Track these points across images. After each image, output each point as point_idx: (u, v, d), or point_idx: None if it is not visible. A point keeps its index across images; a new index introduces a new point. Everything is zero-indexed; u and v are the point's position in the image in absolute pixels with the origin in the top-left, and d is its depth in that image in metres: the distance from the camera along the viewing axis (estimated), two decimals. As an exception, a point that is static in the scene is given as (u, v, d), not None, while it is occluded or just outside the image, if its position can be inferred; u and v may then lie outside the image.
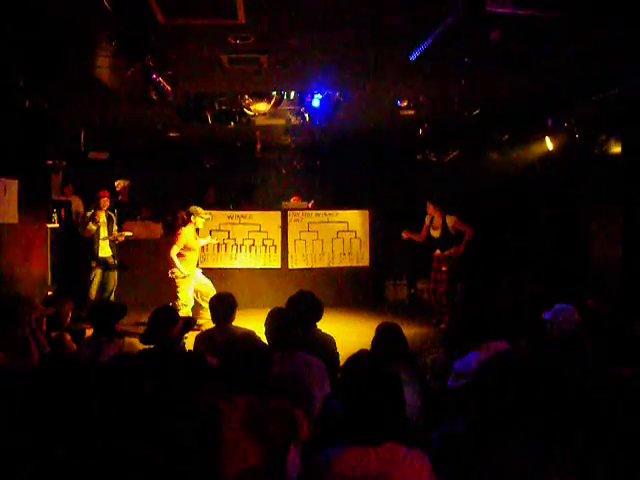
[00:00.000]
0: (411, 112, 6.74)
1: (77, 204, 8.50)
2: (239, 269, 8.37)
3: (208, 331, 3.95)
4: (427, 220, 7.23)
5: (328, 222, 8.65)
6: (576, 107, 6.26)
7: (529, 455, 1.89)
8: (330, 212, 8.73)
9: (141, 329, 4.02)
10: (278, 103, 6.31)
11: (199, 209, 6.70)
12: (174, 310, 3.62)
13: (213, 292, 6.34)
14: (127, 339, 3.73)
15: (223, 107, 6.60)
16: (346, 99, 6.33)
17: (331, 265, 8.56)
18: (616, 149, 5.91)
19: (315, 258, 8.54)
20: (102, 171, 9.10)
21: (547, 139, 6.90)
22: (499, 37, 3.94)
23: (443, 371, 3.33)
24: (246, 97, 6.24)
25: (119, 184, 8.90)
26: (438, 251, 7.11)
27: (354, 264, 8.63)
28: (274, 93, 6.19)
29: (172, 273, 6.39)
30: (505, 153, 7.91)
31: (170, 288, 6.46)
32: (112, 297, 7.47)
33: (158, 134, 8.39)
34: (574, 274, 6.44)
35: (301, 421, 2.29)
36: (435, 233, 7.14)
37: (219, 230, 8.37)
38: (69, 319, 4.28)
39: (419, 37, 4.21)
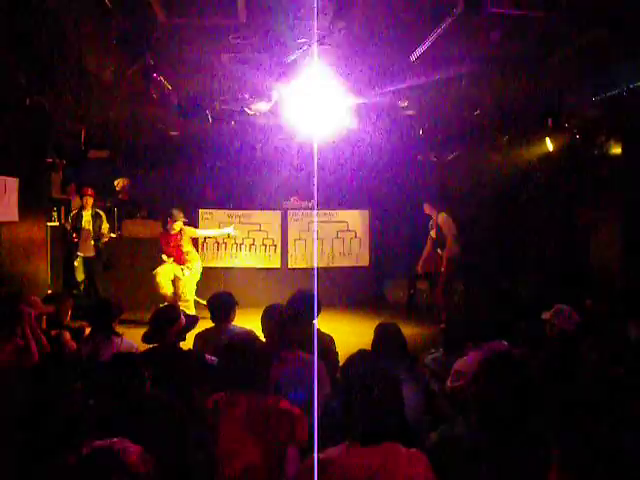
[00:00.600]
0: (411, 112, 6.74)
1: (78, 203, 8.50)
2: (239, 268, 8.37)
3: (207, 330, 3.95)
4: (432, 233, 7.21)
5: (328, 222, 8.66)
6: (576, 107, 6.25)
7: (529, 455, 1.89)
8: (330, 212, 8.74)
9: (138, 326, 4.05)
10: (278, 102, 6.31)
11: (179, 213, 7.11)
12: (176, 309, 3.61)
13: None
14: (126, 338, 3.72)
15: (223, 106, 6.60)
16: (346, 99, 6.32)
17: (331, 265, 8.56)
18: (616, 150, 5.91)
19: (315, 258, 8.54)
20: (102, 170, 9.10)
21: (547, 140, 6.90)
22: (499, 37, 3.95)
23: (443, 371, 3.33)
24: (246, 96, 6.24)
25: (119, 183, 8.90)
26: (439, 250, 7.12)
27: (354, 264, 8.63)
28: (274, 92, 6.18)
29: (187, 268, 6.57)
30: (505, 153, 7.90)
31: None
32: (100, 290, 7.47)
33: (158, 133, 8.38)
34: (574, 274, 6.44)
35: (300, 420, 2.29)
36: (432, 233, 7.16)
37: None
38: (69, 317, 4.29)
39: (419, 37, 4.21)
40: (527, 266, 7.45)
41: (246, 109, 6.43)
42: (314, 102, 6.29)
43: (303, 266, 8.47)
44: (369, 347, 3.15)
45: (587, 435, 1.76)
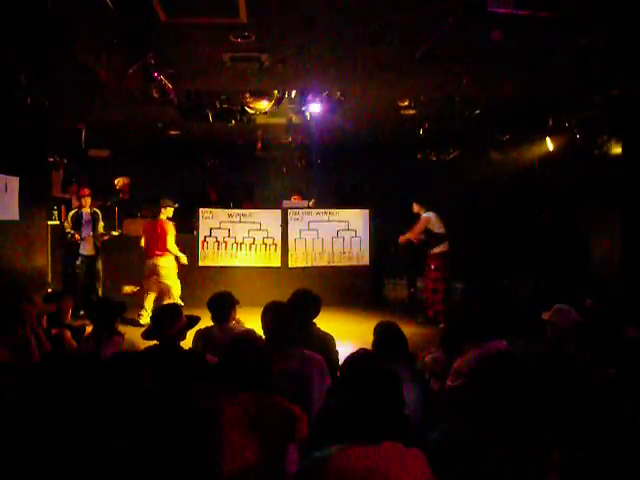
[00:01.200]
0: (411, 112, 6.75)
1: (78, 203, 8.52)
2: (239, 267, 8.38)
3: (207, 329, 3.95)
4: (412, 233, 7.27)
5: (328, 221, 8.65)
6: (576, 107, 6.26)
7: (528, 455, 1.89)
8: (330, 211, 8.73)
9: (138, 326, 4.06)
10: (279, 101, 6.31)
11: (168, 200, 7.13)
12: (178, 307, 3.62)
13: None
14: (127, 336, 3.73)
15: (224, 105, 6.61)
16: (347, 99, 6.33)
17: (331, 264, 8.55)
18: (616, 150, 5.92)
19: (315, 257, 8.54)
20: (103, 169, 9.12)
21: (548, 139, 6.91)
22: (499, 37, 3.95)
23: (443, 371, 3.34)
24: (247, 95, 6.24)
25: (119, 181, 8.91)
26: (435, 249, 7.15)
27: (354, 263, 8.63)
28: (275, 92, 6.19)
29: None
30: (505, 153, 7.91)
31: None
32: (100, 289, 7.50)
33: (159, 132, 8.39)
34: (574, 274, 6.45)
35: (300, 419, 2.29)
36: (412, 233, 7.22)
37: (219, 228, 8.38)
38: (69, 316, 4.30)
39: (420, 37, 4.21)
40: (527, 265, 7.45)
41: (247, 107, 6.43)
42: (314, 102, 6.31)
43: (303, 265, 8.48)
44: (369, 347, 3.15)
45: (586, 435, 1.77)
